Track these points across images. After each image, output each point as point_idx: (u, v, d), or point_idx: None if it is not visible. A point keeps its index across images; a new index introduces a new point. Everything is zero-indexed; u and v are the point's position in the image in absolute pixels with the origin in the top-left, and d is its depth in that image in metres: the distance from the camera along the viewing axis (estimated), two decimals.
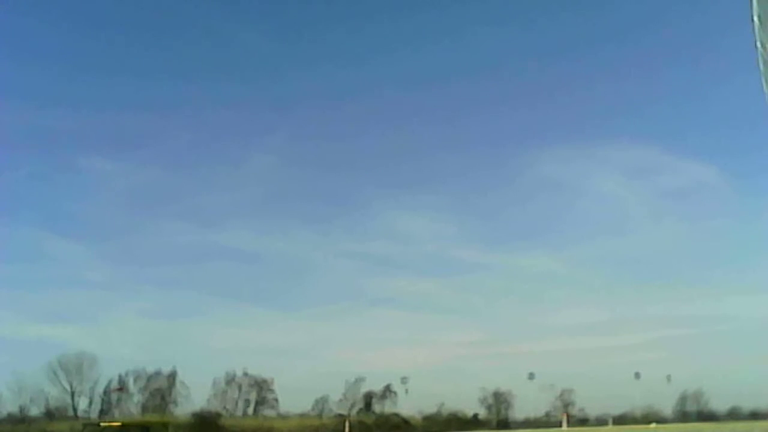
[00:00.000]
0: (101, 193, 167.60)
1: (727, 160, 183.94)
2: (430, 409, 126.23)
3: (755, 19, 25.22)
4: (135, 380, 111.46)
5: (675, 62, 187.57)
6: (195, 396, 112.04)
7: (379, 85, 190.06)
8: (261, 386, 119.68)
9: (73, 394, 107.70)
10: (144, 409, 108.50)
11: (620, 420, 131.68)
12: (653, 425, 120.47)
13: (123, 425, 60.58)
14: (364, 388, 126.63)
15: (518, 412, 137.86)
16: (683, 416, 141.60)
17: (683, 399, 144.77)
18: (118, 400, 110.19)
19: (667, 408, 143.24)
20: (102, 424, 65.64)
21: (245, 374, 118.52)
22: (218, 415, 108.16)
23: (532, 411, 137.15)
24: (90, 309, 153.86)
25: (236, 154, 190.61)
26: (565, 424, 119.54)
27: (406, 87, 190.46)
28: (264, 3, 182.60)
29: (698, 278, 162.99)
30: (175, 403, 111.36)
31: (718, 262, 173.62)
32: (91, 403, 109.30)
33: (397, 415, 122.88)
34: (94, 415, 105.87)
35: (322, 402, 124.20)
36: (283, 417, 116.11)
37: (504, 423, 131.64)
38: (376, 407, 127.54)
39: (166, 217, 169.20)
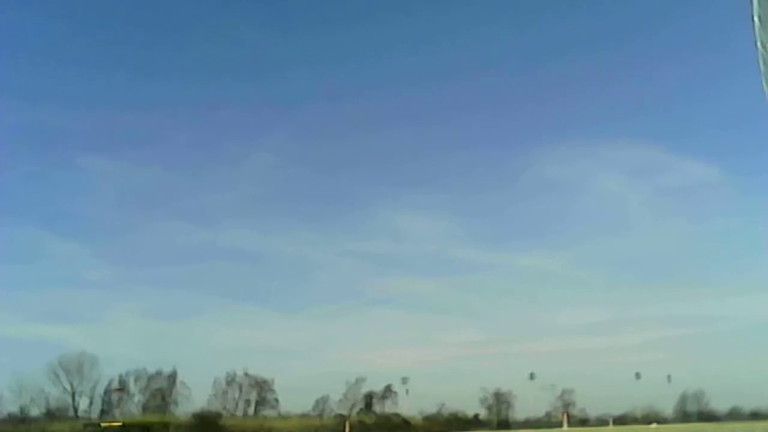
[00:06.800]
0: (101, 192, 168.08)
1: (728, 160, 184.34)
2: (431, 409, 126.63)
3: (755, 18, 25.18)
4: (135, 380, 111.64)
5: (675, 62, 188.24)
6: (195, 396, 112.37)
7: (379, 84, 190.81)
8: (261, 386, 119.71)
9: (73, 395, 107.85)
10: (144, 409, 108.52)
11: (621, 420, 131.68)
12: (654, 425, 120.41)
13: (124, 425, 60.71)
14: (365, 389, 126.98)
15: (519, 413, 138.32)
16: (684, 416, 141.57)
17: (684, 399, 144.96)
18: (119, 400, 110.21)
19: (668, 408, 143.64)
20: (103, 424, 65.83)
21: (246, 374, 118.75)
22: (219, 415, 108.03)
23: (532, 411, 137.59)
24: (90, 309, 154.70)
25: (236, 154, 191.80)
26: (565, 424, 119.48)
27: (407, 87, 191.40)
28: (264, 2, 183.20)
29: (698, 278, 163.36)
30: (176, 403, 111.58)
31: (719, 262, 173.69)
32: (91, 403, 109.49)
33: (397, 415, 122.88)
34: (94, 415, 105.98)
35: (322, 402, 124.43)
36: (283, 417, 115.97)
37: (504, 423, 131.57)
38: (377, 407, 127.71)
39: (165, 216, 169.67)
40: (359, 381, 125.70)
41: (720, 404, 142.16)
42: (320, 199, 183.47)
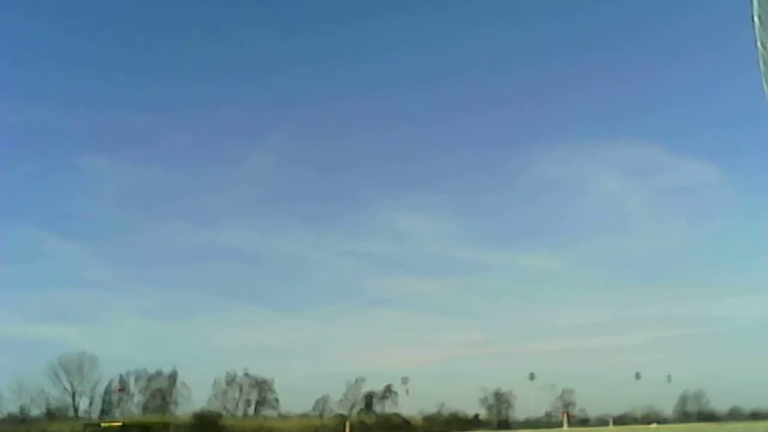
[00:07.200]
0: (101, 192, 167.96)
1: (728, 160, 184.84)
2: (431, 409, 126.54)
3: (755, 18, 25.19)
4: (136, 380, 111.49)
5: (675, 62, 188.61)
6: (196, 396, 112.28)
7: (379, 84, 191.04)
8: (261, 386, 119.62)
9: (73, 395, 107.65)
10: (145, 409, 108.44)
11: (621, 420, 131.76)
12: (654, 425, 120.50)
13: (124, 425, 60.53)
14: (365, 389, 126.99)
15: (519, 413, 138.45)
16: (684, 416, 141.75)
17: (684, 399, 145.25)
18: (119, 400, 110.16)
19: (668, 408, 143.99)
20: (103, 424, 65.61)
21: (246, 374, 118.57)
22: (219, 415, 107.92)
23: (532, 411, 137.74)
24: (90, 309, 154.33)
25: (236, 154, 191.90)
26: (565, 424, 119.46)
27: (407, 87, 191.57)
28: (264, 2, 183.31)
29: (698, 278, 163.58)
30: (176, 403, 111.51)
31: (719, 262, 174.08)
32: (91, 403, 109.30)
33: (397, 415, 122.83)
34: (94, 415, 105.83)
35: (322, 402, 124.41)
36: (283, 417, 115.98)
37: (505, 423, 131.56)
38: (377, 407, 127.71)
39: (165, 216, 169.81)
40: (359, 381, 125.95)
41: (720, 404, 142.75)
42: (320, 199, 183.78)
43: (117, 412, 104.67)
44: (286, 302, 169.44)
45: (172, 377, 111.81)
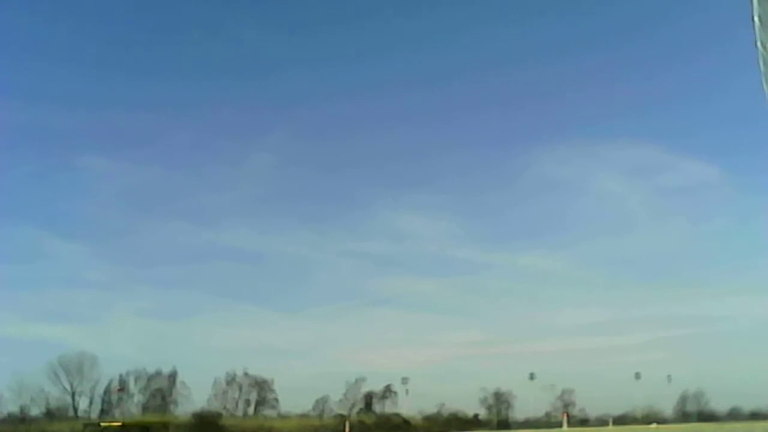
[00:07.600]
0: (101, 192, 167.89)
1: (728, 160, 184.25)
2: (431, 409, 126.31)
3: (755, 19, 25.14)
4: (135, 380, 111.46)
5: (675, 62, 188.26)
6: (195, 396, 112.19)
7: (379, 84, 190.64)
8: (261, 386, 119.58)
9: (73, 395, 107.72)
10: (144, 409, 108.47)
11: (621, 420, 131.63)
12: (654, 425, 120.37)
13: (123, 425, 60.68)
14: (365, 388, 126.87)
15: (519, 413, 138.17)
16: (684, 416, 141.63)
17: (684, 399, 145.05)
18: (119, 400, 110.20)
19: (668, 408, 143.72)
20: (102, 424, 65.78)
21: (245, 374, 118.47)
22: (219, 415, 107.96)
23: (532, 411, 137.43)
24: (90, 309, 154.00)
25: (236, 154, 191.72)
26: (565, 424, 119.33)
27: (406, 87, 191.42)
28: (264, 2, 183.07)
29: (698, 278, 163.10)
30: (176, 403, 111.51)
31: (719, 262, 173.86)
32: (91, 403, 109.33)
33: (397, 415, 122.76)
34: (94, 415, 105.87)
35: (322, 402, 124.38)
36: (283, 417, 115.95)
37: (504, 423, 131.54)
38: (377, 407, 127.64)
39: (165, 216, 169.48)
40: (359, 381, 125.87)
41: (720, 404, 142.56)
42: (320, 199, 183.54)
43: (117, 412, 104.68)
44: (286, 302, 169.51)
45: (172, 377, 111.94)
